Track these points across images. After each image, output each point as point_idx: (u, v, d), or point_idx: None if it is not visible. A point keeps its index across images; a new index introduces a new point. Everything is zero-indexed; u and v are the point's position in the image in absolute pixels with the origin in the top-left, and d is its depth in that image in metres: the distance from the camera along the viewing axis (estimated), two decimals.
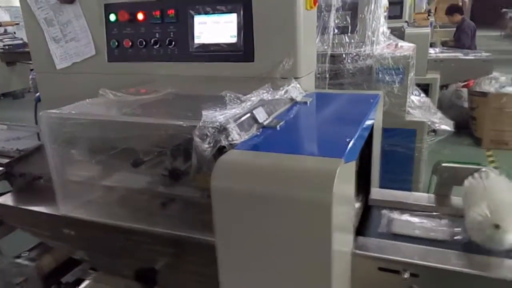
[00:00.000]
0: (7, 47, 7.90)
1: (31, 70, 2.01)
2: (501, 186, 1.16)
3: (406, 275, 1.03)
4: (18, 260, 1.38)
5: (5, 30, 8.64)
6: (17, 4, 1.91)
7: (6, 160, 1.60)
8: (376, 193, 1.45)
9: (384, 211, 1.33)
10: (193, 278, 1.21)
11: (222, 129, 1.02)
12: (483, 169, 1.25)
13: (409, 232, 1.20)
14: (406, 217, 1.28)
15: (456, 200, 1.34)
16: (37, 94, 2.06)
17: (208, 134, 1.01)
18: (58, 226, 1.32)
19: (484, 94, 5.01)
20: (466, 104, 5.50)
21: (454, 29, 6.84)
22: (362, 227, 1.27)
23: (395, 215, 1.31)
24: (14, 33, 8.76)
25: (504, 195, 1.10)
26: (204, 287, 1.17)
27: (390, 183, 1.66)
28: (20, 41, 8.01)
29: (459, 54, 4.48)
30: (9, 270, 1.39)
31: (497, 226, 1.02)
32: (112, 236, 1.26)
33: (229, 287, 0.98)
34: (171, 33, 1.62)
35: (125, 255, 1.29)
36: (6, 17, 9.96)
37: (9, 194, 1.51)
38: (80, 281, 1.57)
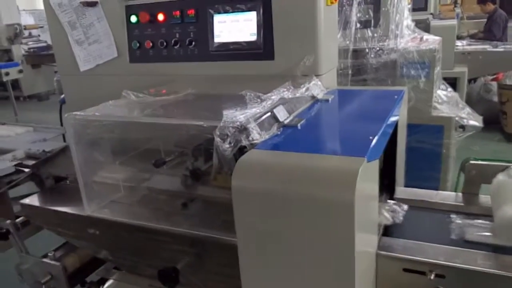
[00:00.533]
0: (31, 50, 8.12)
1: (56, 72, 2.05)
2: None
3: (432, 276, 1.00)
4: (44, 260, 1.41)
5: (30, 33, 8.86)
6: (41, 7, 1.95)
7: (32, 162, 1.64)
8: (401, 192, 1.42)
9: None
10: (215, 278, 1.21)
11: (243, 129, 1.02)
12: None
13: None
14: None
15: (484, 198, 1.29)
16: (62, 96, 2.11)
17: (229, 134, 1.01)
18: (83, 226, 1.35)
19: None
20: (495, 98, 5.31)
21: (482, 20, 6.61)
22: (387, 228, 1.23)
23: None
24: (39, 35, 8.98)
25: None
26: (225, 287, 1.16)
27: (417, 181, 1.62)
28: (44, 44, 8.22)
29: (487, 46, 4.33)
30: (35, 269, 1.43)
31: None
32: (135, 236, 1.27)
33: (250, 285, 0.98)
34: (191, 33, 1.63)
35: (147, 254, 1.30)
36: (30, 20, 10.22)
37: (35, 195, 1.55)
38: (104, 280, 1.60)
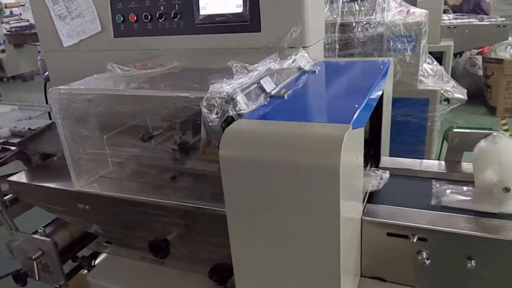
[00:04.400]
0: (13, 29, 7.88)
1: (39, 52, 2.01)
2: (511, 150, 1.14)
3: (414, 240, 1.03)
4: (34, 236, 1.42)
5: (11, 12, 8.58)
6: None
7: (18, 140, 1.63)
8: (386, 161, 1.45)
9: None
10: (205, 248, 1.23)
11: (230, 99, 1.02)
12: (494, 133, 1.23)
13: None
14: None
15: (467, 165, 1.32)
16: (46, 73, 2.07)
17: (216, 104, 1.01)
18: (72, 201, 1.35)
19: (499, 61, 4.88)
20: (480, 72, 5.37)
21: None
22: (373, 195, 1.27)
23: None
24: (20, 14, 8.72)
25: None
26: (216, 256, 1.19)
27: (403, 153, 1.65)
28: (27, 23, 7.98)
29: (473, 20, 4.34)
30: (25, 246, 1.43)
31: (507, 189, 1.01)
32: (124, 210, 1.28)
33: (240, 255, 1.00)
34: (176, 5, 1.60)
35: (138, 227, 1.32)
36: None
37: (23, 172, 1.54)
38: (96, 254, 1.61)
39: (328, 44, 2.74)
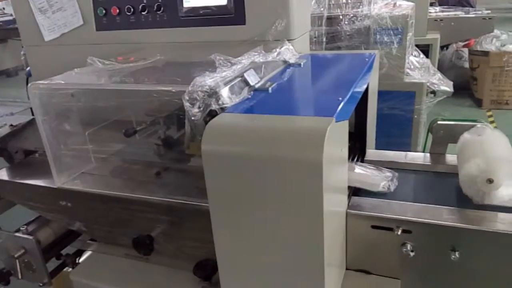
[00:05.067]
0: None
1: (23, 47, 1.96)
2: (495, 141, 1.14)
3: (399, 232, 1.03)
4: (17, 234, 1.39)
5: None
6: None
7: None
8: (372, 154, 1.45)
9: None
10: (190, 244, 1.22)
11: (212, 93, 1.00)
12: (478, 125, 1.24)
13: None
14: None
15: (451, 157, 1.33)
16: (28, 68, 2.03)
17: (198, 98, 0.99)
18: (54, 198, 1.33)
19: (485, 53, 4.92)
20: (467, 65, 5.41)
21: None
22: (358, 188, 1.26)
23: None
24: (3, 8, 8.53)
25: (498, 150, 1.09)
26: (201, 252, 1.18)
27: (390, 146, 1.65)
28: (10, 17, 7.81)
29: (459, 13, 4.36)
30: (8, 244, 1.40)
31: (490, 181, 1.01)
32: (107, 206, 1.26)
33: (224, 250, 0.99)
34: None
35: (121, 224, 1.30)
36: None
37: (4, 169, 1.51)
38: (80, 252, 1.59)
39: (315, 37, 2.73)
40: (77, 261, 1.59)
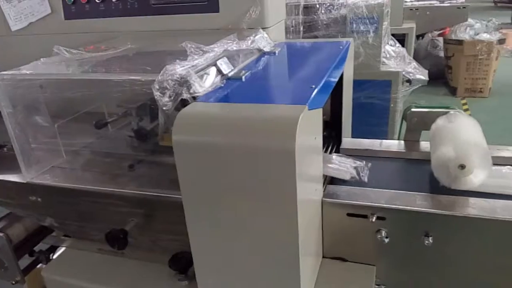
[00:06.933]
0: None
1: None
2: (467, 127, 1.16)
3: (373, 219, 1.04)
4: None
5: None
6: None
7: None
8: (347, 142, 1.45)
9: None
10: (165, 237, 1.20)
11: (183, 82, 0.98)
12: (451, 112, 1.25)
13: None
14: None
15: (425, 144, 1.34)
16: None
17: (168, 87, 0.96)
18: (23, 194, 1.29)
19: (460, 42, 5.01)
20: (442, 54, 5.50)
21: None
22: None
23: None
24: None
25: (469, 136, 1.11)
26: (176, 245, 1.16)
27: (367, 134, 1.66)
28: None
29: (434, 2, 4.41)
30: None
31: (462, 166, 1.02)
32: (79, 201, 1.23)
33: (198, 243, 0.98)
34: None
35: (94, 219, 1.27)
36: None
37: None
38: (54, 248, 1.55)
39: (292, 27, 2.72)
40: (51, 258, 1.55)
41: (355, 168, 1.20)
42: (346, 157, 1.25)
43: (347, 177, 1.19)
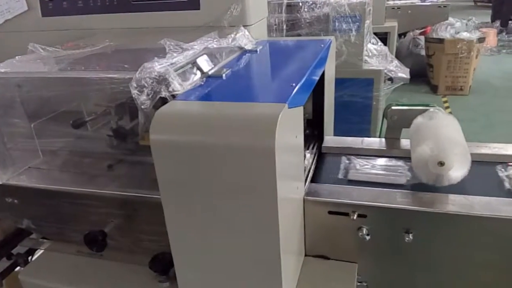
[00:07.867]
0: None
1: None
2: (447, 125, 1.17)
3: (355, 217, 1.04)
4: None
5: None
6: None
7: None
8: (329, 140, 1.45)
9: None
10: (145, 238, 1.18)
11: (162, 80, 0.96)
12: (431, 109, 1.26)
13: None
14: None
15: (405, 142, 1.35)
16: None
17: (146, 85, 0.95)
18: None
19: (441, 41, 5.08)
20: (423, 52, 5.57)
21: None
22: (316, 174, 1.26)
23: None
24: None
25: (449, 133, 1.12)
26: (156, 246, 1.14)
27: (350, 132, 1.67)
28: None
29: (416, 1, 4.47)
30: None
31: (441, 163, 1.03)
32: (56, 202, 1.20)
33: (178, 243, 0.96)
34: None
35: (72, 220, 1.24)
36: None
37: None
38: (33, 251, 1.51)
39: (275, 25, 2.71)
40: (29, 260, 1.51)
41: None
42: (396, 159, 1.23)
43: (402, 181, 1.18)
